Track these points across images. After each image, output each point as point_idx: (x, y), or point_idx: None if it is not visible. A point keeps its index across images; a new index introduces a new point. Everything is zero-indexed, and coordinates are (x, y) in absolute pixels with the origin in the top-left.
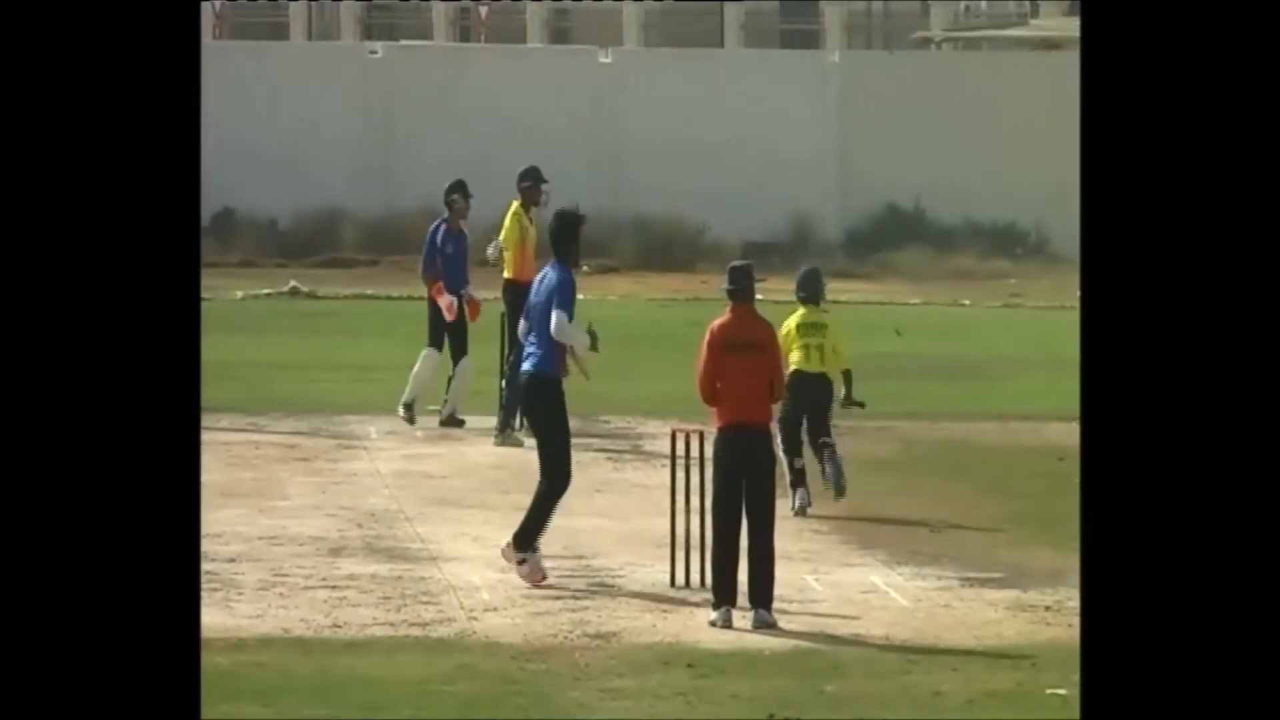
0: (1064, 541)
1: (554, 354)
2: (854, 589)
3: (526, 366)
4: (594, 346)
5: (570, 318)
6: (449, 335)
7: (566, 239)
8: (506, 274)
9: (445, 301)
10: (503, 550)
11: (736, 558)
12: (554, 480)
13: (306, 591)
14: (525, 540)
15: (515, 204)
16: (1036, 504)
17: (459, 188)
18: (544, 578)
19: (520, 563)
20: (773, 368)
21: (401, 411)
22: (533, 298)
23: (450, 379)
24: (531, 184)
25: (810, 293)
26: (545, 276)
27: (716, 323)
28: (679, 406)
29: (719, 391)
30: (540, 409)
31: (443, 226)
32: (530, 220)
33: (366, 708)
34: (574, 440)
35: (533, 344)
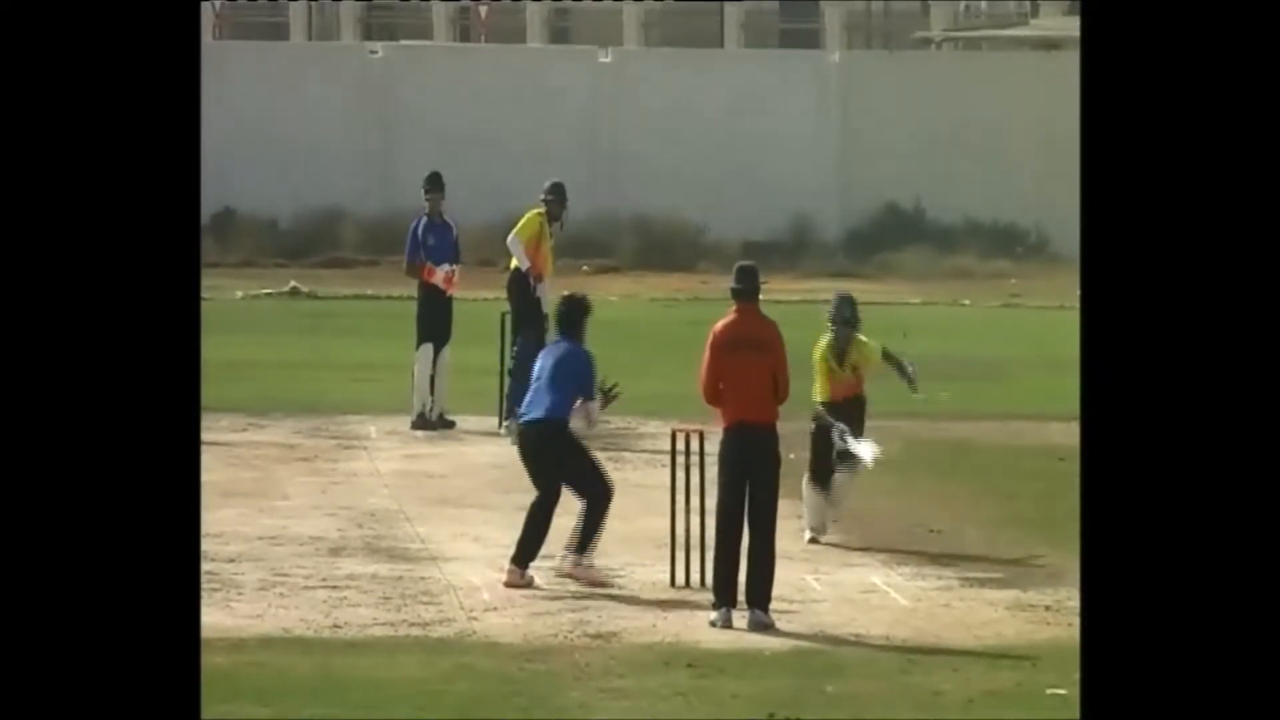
0: (1064, 541)
1: (567, 405)
2: (854, 589)
3: (536, 414)
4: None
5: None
6: (434, 322)
7: (575, 322)
8: (515, 264)
9: (440, 276)
10: (564, 569)
11: (738, 558)
12: (595, 498)
13: (306, 591)
14: (584, 546)
15: (539, 209)
16: (1036, 504)
17: (432, 180)
18: (607, 582)
19: (588, 566)
20: (776, 366)
21: (416, 423)
22: (542, 364)
23: (432, 377)
24: (555, 198)
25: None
26: (557, 349)
27: (720, 323)
28: (679, 406)
29: (723, 391)
30: (553, 451)
31: (423, 220)
32: (550, 232)
33: (366, 708)
34: None
35: (541, 395)
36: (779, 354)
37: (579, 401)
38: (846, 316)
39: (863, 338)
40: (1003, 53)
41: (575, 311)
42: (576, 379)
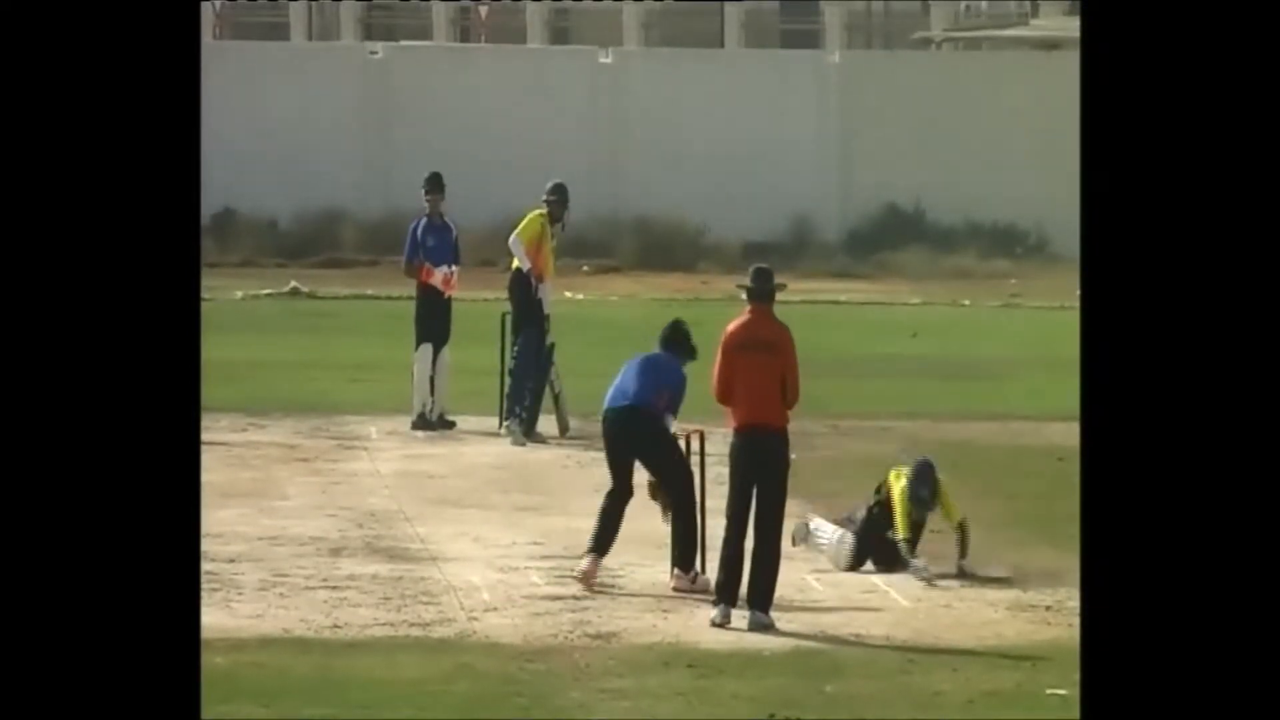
0: (1064, 541)
1: (653, 397)
2: (854, 589)
3: (621, 402)
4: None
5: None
6: (432, 322)
7: (679, 343)
8: (516, 264)
9: (438, 277)
10: (674, 585)
11: (743, 560)
12: (680, 495)
13: (307, 592)
14: (688, 560)
15: (540, 210)
16: (1036, 504)
17: (432, 180)
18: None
19: (694, 581)
20: (785, 368)
21: (416, 423)
22: (630, 363)
23: (432, 378)
24: (557, 199)
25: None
26: (652, 355)
27: (732, 324)
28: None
29: (733, 393)
30: (639, 437)
31: (422, 221)
32: (552, 233)
33: (366, 708)
34: (573, 440)
35: (627, 385)
36: (789, 357)
37: (664, 408)
38: (923, 497)
39: (948, 501)
40: (1003, 53)
41: (677, 335)
42: (667, 379)
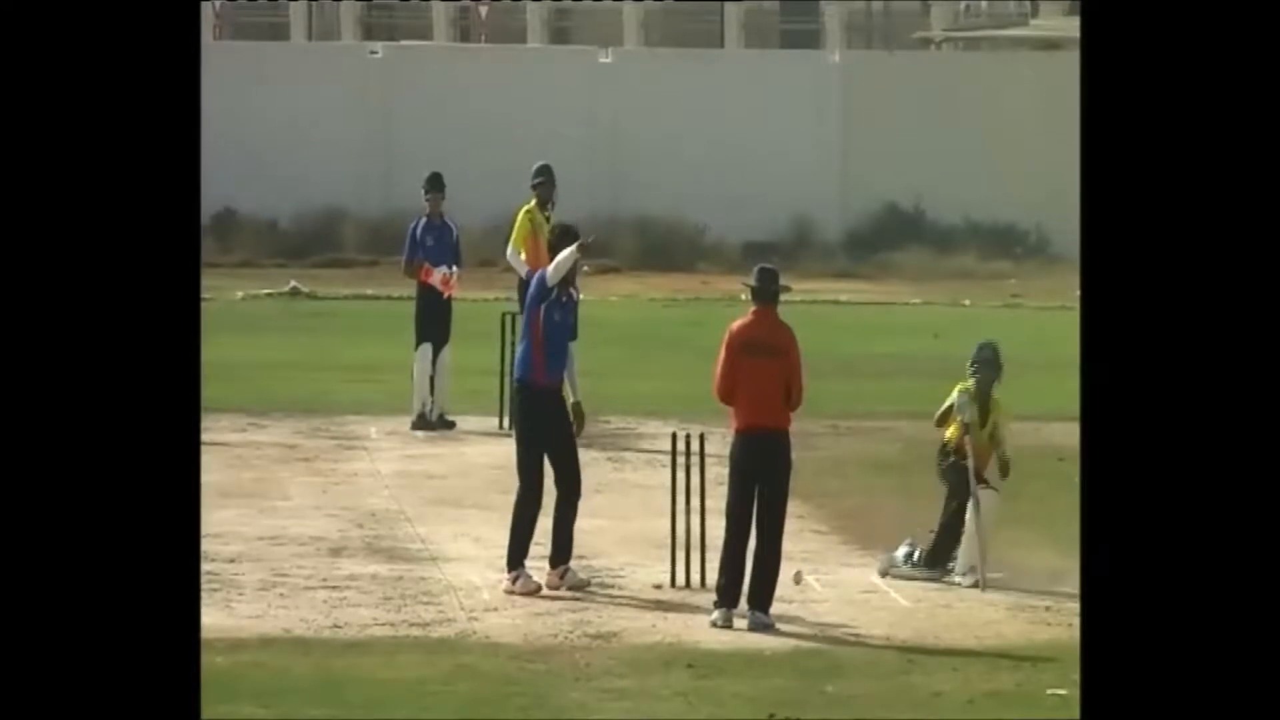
0: (1064, 541)
1: (531, 359)
2: (854, 589)
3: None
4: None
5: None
6: (432, 323)
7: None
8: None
9: (437, 277)
10: (548, 583)
11: (744, 562)
12: (520, 489)
13: (307, 592)
14: (515, 559)
15: (528, 204)
16: (1036, 504)
17: (432, 180)
18: (537, 589)
19: (563, 576)
20: (790, 371)
21: (416, 424)
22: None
23: (432, 378)
24: (544, 180)
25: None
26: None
27: (737, 324)
28: (679, 406)
29: (736, 395)
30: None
31: (422, 220)
32: (545, 218)
33: (366, 708)
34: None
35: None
36: (793, 359)
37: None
38: (988, 357)
39: (1005, 418)
40: (1002, 53)
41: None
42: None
